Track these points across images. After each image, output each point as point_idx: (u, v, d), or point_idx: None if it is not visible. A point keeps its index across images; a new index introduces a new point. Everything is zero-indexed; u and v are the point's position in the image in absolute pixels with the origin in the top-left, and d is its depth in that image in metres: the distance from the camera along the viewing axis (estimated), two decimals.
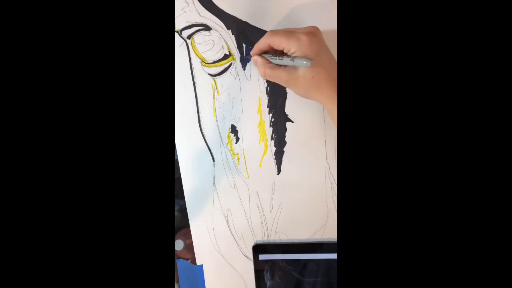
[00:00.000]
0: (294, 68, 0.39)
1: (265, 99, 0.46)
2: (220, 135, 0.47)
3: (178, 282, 0.50)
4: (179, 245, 0.50)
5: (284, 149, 0.47)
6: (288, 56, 0.38)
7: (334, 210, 0.47)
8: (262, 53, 0.41)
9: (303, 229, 0.48)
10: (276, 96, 0.46)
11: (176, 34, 0.46)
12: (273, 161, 0.47)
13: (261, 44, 0.40)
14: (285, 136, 0.46)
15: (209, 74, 0.46)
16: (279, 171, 0.47)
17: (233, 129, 0.47)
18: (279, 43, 0.38)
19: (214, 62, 0.46)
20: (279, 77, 0.40)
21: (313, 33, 0.38)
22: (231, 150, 0.47)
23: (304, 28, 0.39)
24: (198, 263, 0.50)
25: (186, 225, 0.49)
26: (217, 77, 0.46)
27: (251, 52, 0.42)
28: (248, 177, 0.48)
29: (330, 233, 0.47)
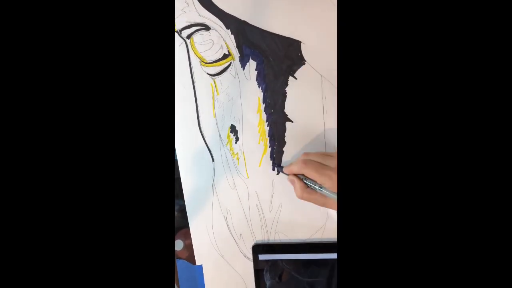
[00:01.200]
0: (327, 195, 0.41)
1: (264, 98, 0.46)
2: (220, 135, 0.47)
3: (178, 282, 0.50)
4: (179, 245, 0.50)
5: (284, 149, 0.47)
6: (321, 187, 0.42)
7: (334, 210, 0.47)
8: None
9: (303, 229, 0.48)
10: (276, 96, 0.46)
11: (175, 34, 0.46)
12: (273, 161, 0.47)
13: (295, 169, 0.43)
14: (284, 136, 0.46)
15: (208, 74, 0.46)
16: (278, 171, 0.47)
17: (233, 129, 0.47)
18: (312, 176, 0.42)
19: (214, 61, 0.46)
20: (316, 200, 0.43)
21: None
22: (230, 150, 0.47)
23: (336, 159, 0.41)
24: (197, 263, 0.50)
25: (185, 225, 0.49)
26: (216, 76, 0.46)
27: (285, 170, 0.45)
28: (248, 177, 0.47)
29: (330, 233, 0.47)
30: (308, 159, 0.42)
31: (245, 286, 0.49)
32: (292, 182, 0.44)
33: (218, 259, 0.49)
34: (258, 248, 0.48)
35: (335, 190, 0.40)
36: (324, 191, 0.41)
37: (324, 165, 0.41)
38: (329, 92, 0.45)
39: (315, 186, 0.42)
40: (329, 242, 0.47)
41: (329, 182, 0.40)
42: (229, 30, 0.45)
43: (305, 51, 0.45)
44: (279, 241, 0.48)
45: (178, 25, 0.45)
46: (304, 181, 0.43)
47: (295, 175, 0.44)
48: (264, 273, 0.48)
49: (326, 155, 0.43)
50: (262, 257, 0.48)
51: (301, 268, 0.48)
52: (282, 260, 0.48)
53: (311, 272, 0.47)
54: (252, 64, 0.45)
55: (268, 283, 0.48)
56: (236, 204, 0.48)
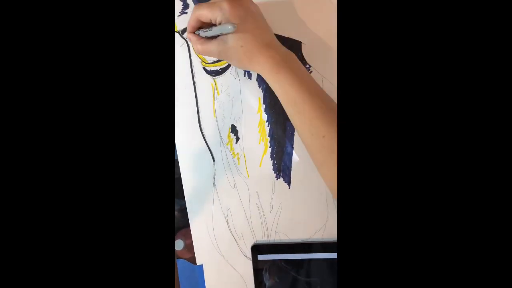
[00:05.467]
0: (224, 40, 0.38)
1: (265, 98, 0.46)
2: (220, 135, 0.47)
3: (178, 281, 0.50)
4: (179, 245, 0.50)
5: (284, 149, 0.47)
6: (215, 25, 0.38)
7: (334, 210, 0.47)
8: (196, 30, 0.41)
9: (303, 229, 0.48)
10: (276, 96, 0.46)
11: (177, 35, 0.46)
12: (273, 161, 0.47)
13: (191, 20, 0.40)
14: (285, 136, 0.46)
15: (209, 74, 0.46)
16: (279, 171, 0.47)
17: (233, 129, 0.47)
18: (205, 16, 0.38)
19: (214, 62, 0.46)
20: (211, 51, 0.39)
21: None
22: (231, 150, 0.47)
23: None
24: (198, 263, 0.50)
25: (186, 225, 0.49)
26: (217, 77, 0.46)
27: (187, 31, 0.41)
28: (248, 177, 0.48)
29: (330, 233, 0.47)
30: (198, 5, 0.39)
31: (245, 286, 0.49)
32: (190, 40, 0.41)
33: (219, 258, 0.49)
34: (258, 248, 0.48)
35: (228, 21, 0.36)
36: (218, 28, 0.37)
37: (216, 0, 0.38)
38: (329, 92, 0.45)
39: (209, 29, 0.38)
40: (329, 242, 0.47)
41: (220, 13, 0.36)
42: None
43: (305, 51, 0.45)
44: (279, 241, 0.48)
45: (179, 25, 0.45)
46: (197, 32, 0.40)
47: (193, 33, 0.41)
48: (264, 272, 0.49)
49: None
50: (261, 257, 0.48)
51: (301, 268, 0.48)
52: (281, 260, 0.48)
53: (311, 272, 0.47)
54: None
55: (267, 283, 0.49)
56: (236, 204, 0.48)
